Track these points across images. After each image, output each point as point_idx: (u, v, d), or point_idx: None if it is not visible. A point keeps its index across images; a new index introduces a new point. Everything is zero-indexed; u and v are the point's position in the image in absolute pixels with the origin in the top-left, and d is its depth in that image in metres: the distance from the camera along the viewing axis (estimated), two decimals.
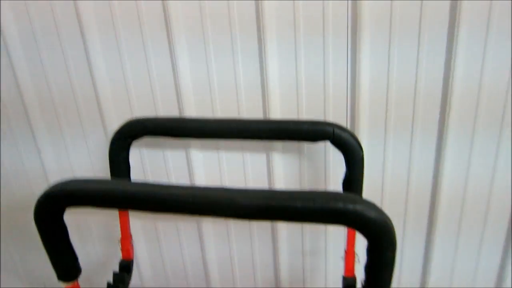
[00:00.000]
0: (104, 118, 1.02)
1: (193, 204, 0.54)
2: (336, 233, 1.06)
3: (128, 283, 0.96)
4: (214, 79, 0.94)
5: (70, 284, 0.70)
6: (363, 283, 0.59)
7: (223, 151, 1.02)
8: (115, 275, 0.95)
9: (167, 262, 1.21)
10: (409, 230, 1.02)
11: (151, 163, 1.06)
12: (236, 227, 1.11)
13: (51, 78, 1.01)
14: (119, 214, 0.94)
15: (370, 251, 0.55)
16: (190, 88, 0.95)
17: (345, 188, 0.85)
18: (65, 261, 0.68)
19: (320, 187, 1.02)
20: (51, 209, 0.61)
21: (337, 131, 0.80)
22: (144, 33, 0.92)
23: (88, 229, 1.20)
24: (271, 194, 0.53)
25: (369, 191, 0.98)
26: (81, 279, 1.28)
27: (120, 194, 0.57)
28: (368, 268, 0.56)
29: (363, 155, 0.82)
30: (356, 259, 0.90)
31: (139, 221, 1.15)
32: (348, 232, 0.90)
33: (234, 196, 0.53)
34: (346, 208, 0.51)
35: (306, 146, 0.98)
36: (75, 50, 0.97)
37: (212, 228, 1.12)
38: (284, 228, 1.08)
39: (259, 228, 1.10)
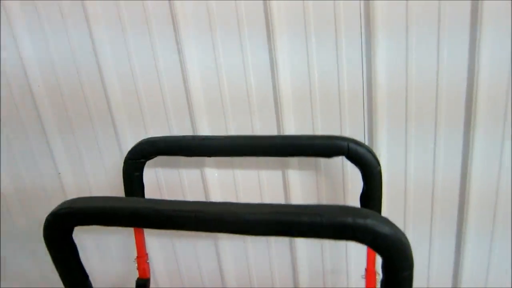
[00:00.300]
0: (119, 137, 1.03)
1: (197, 219, 0.53)
2: (358, 251, 1.01)
3: None
4: (225, 87, 0.94)
5: None
6: None
7: (238, 169, 1.01)
8: None
9: (185, 281, 1.19)
10: (437, 231, 0.95)
11: (166, 182, 1.06)
12: (253, 246, 1.09)
13: (68, 99, 1.04)
14: (135, 232, 0.93)
15: (384, 269, 0.51)
16: (202, 105, 0.96)
17: (363, 204, 0.82)
18: (75, 280, 0.68)
19: (339, 201, 0.98)
20: (59, 228, 0.61)
21: (352, 145, 0.78)
22: (154, 41, 0.93)
23: (107, 248, 1.20)
24: (277, 209, 0.51)
25: (391, 195, 0.94)
26: None
27: (125, 211, 0.56)
28: (383, 286, 0.53)
29: (380, 170, 0.79)
30: (377, 278, 0.85)
31: (156, 239, 1.14)
32: (368, 249, 0.86)
33: (239, 211, 0.52)
34: (355, 223, 0.48)
35: (323, 161, 0.96)
36: (90, 70, 0.99)
37: (229, 246, 1.10)
38: (303, 246, 1.04)
39: (277, 246, 1.07)
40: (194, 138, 0.89)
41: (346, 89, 0.88)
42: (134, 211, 0.55)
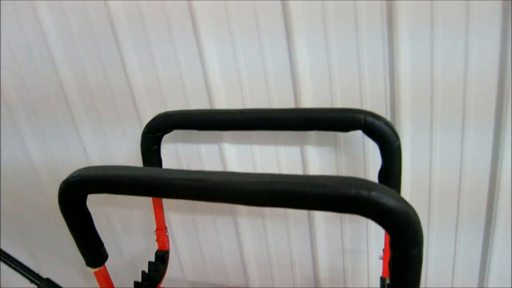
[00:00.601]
0: (140, 113, 1.04)
1: (198, 188, 0.52)
2: (379, 231, 0.98)
3: (163, 272, 0.97)
4: (242, 70, 0.92)
5: (97, 270, 0.73)
6: (388, 282, 0.53)
7: (256, 145, 0.99)
8: (150, 264, 0.97)
9: (206, 256, 1.21)
10: (463, 228, 0.91)
11: (186, 158, 1.07)
12: (272, 223, 1.08)
13: (91, 79, 1.06)
14: (153, 205, 0.95)
15: (391, 245, 0.49)
16: (219, 81, 0.94)
17: (382, 181, 0.78)
18: (90, 247, 0.70)
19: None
20: (71, 196, 0.63)
21: (369, 119, 0.74)
22: (171, 26, 0.93)
23: (131, 221, 1.24)
24: (278, 179, 0.49)
25: (415, 188, 0.90)
26: (126, 269, 1.33)
27: (130, 179, 0.57)
28: (392, 265, 0.50)
29: (399, 144, 0.75)
30: None
31: (177, 214, 1.16)
32: None
33: (240, 180, 0.51)
34: (359, 194, 0.46)
35: (343, 137, 0.92)
36: (109, 50, 1.00)
37: (248, 223, 1.10)
38: (322, 224, 1.02)
39: (296, 225, 1.06)
40: (209, 111, 0.88)
41: (367, 81, 0.85)
42: (138, 179, 0.56)
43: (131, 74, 1.00)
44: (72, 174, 0.61)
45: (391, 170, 0.76)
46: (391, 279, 0.51)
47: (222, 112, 0.84)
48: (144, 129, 0.89)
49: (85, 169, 0.61)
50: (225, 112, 0.84)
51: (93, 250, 0.70)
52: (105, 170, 0.60)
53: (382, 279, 0.82)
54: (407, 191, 0.91)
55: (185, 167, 1.08)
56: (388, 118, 0.87)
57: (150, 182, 0.55)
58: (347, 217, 0.99)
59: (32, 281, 1.08)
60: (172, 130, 0.89)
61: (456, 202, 0.89)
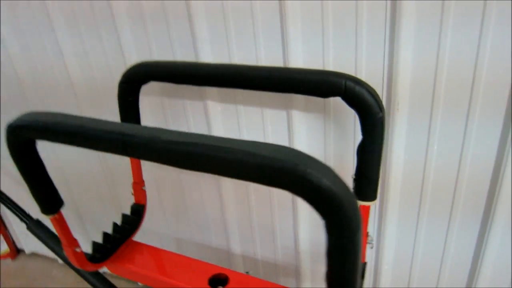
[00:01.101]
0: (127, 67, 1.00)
1: (124, 144, 0.48)
2: None
3: (136, 226, 0.97)
4: (230, 24, 0.85)
5: (52, 217, 0.72)
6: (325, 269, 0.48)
7: (242, 105, 0.93)
8: (123, 216, 0.96)
9: (190, 215, 1.19)
10: (456, 223, 0.83)
11: (171, 113, 1.03)
12: (255, 190, 1.04)
13: (94, 64, 1.05)
14: (130, 159, 0.93)
15: (324, 230, 0.43)
16: (206, 35, 0.88)
17: (360, 156, 0.70)
18: (44, 194, 0.69)
19: (348, 152, 0.88)
20: (17, 140, 0.60)
21: (349, 84, 0.65)
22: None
23: (119, 176, 1.24)
24: (205, 141, 0.44)
25: (407, 173, 0.83)
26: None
27: (63, 128, 0.53)
28: (326, 252, 0.44)
29: (382, 117, 0.66)
30: (368, 241, 0.76)
31: (164, 172, 1.14)
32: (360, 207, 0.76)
33: (165, 139, 0.46)
34: (283, 167, 0.40)
35: (333, 103, 0.84)
36: (109, 34, 0.98)
37: (232, 188, 1.07)
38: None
39: (278, 195, 1.01)
40: (186, 63, 0.81)
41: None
42: (71, 128, 0.52)
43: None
44: (16, 118, 0.59)
45: (371, 146, 0.68)
46: (327, 265, 0.46)
47: (195, 65, 0.78)
48: (121, 78, 0.85)
49: (27, 114, 0.58)
50: (197, 66, 0.78)
51: (46, 197, 0.69)
52: (45, 116, 0.56)
53: None
54: (398, 176, 0.84)
55: (170, 122, 1.04)
56: (385, 93, 0.78)
57: (82, 132, 0.51)
58: None
59: (22, 220, 1.12)
60: (149, 81, 0.84)
61: (451, 193, 0.81)
